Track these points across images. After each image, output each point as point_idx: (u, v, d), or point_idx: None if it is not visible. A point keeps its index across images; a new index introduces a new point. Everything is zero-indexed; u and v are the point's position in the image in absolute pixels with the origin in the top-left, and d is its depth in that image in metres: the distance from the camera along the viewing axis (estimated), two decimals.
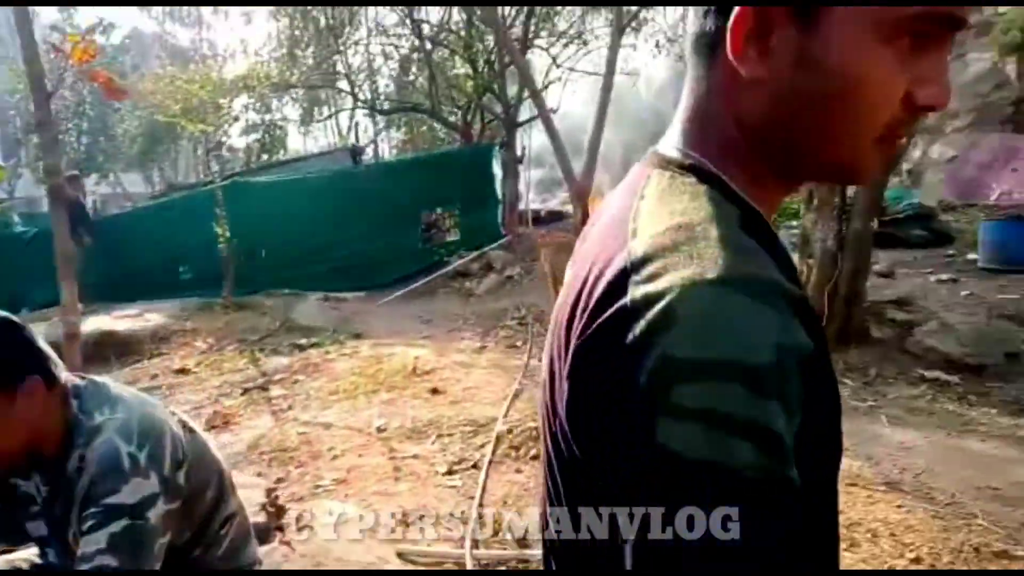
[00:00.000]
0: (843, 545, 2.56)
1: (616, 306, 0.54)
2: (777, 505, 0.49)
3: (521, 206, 12.28)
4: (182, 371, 6.35)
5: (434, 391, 4.96)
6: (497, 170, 11.52)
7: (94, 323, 7.49)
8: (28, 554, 1.56)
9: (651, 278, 0.53)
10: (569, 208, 12.54)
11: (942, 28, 0.57)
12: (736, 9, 0.58)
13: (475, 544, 2.69)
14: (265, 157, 18.31)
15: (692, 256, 0.53)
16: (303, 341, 7.01)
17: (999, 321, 5.54)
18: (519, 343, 6.31)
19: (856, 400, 4.23)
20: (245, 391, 5.50)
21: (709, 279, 0.51)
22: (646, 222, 0.59)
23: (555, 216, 14.06)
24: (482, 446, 3.87)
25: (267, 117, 17.25)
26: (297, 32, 14.03)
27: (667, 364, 0.50)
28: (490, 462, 3.57)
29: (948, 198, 11.61)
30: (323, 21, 14.08)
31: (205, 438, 1.59)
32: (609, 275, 0.56)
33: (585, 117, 12.20)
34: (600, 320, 0.55)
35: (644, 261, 0.55)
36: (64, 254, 6.02)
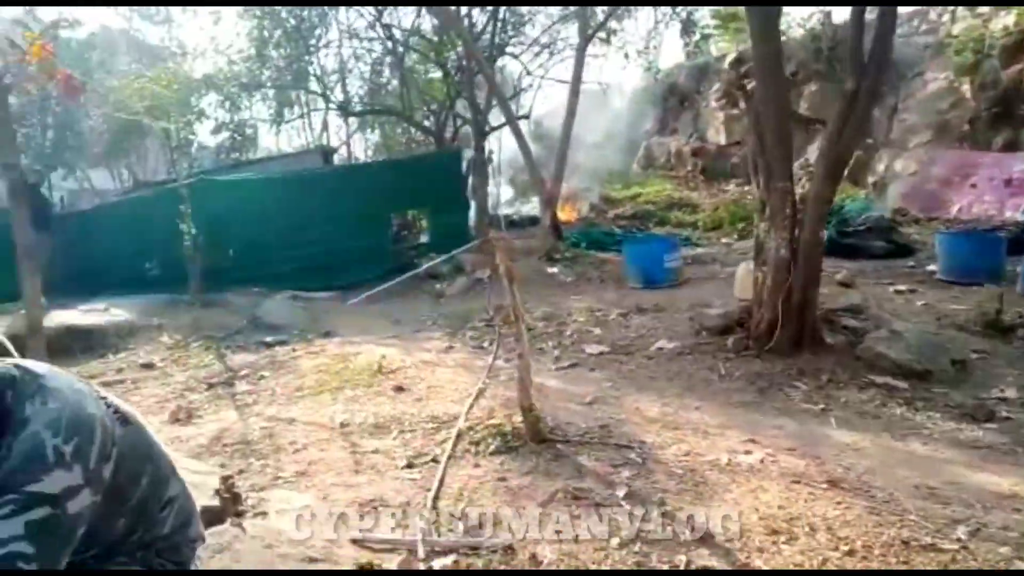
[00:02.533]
0: (782, 538, 2.68)
1: None
2: None
3: (494, 211, 12.38)
4: (148, 366, 6.32)
5: (399, 388, 5.02)
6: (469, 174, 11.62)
7: (59, 317, 7.41)
8: None
9: None
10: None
11: None
12: None
13: (429, 532, 2.76)
14: (236, 156, 18.17)
15: None
16: (270, 339, 7.01)
17: (948, 330, 5.77)
18: (486, 344, 6.38)
19: (808, 403, 4.38)
20: (210, 386, 5.50)
21: None
22: None
23: (532, 221, 14.18)
24: (443, 442, 3.93)
25: (237, 116, 17.10)
26: (266, 33, 13.97)
27: None
28: (449, 456, 3.63)
29: (911, 211, 11.96)
30: (291, 22, 14.05)
31: (142, 427, 1.61)
32: None
33: (559, 124, 12.39)
34: None
35: None
36: (26, 249, 5.98)
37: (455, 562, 2.52)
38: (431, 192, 10.48)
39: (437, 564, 2.49)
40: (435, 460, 3.64)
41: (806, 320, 5.20)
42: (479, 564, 2.55)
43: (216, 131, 17.23)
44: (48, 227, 9.33)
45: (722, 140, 18.28)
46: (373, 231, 10.05)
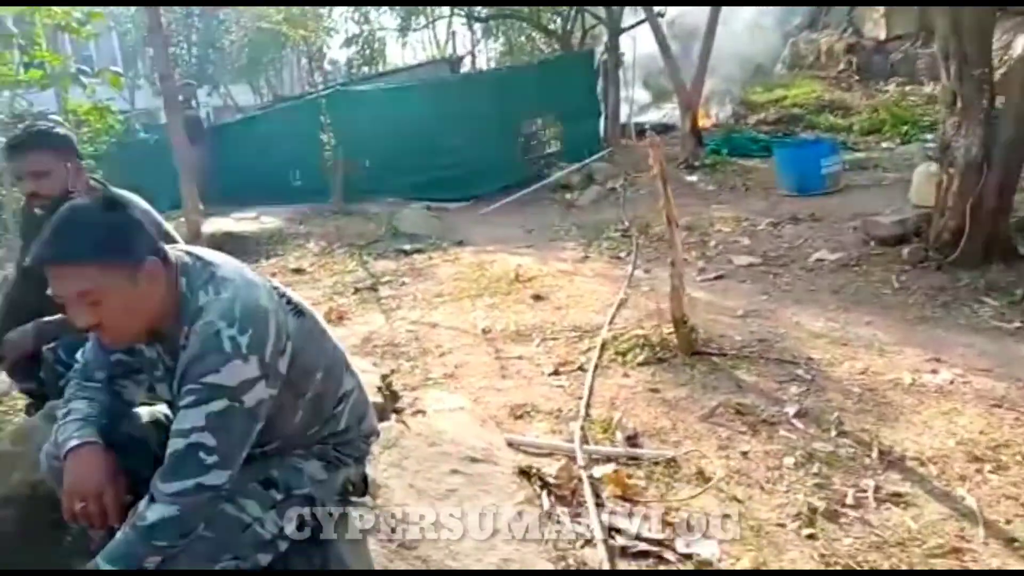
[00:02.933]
0: (987, 466, 2.37)
1: None
2: None
3: (624, 118, 11.74)
4: (298, 271, 6.64)
5: (537, 297, 4.94)
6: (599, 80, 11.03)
7: (215, 224, 7.92)
8: (163, 409, 1.64)
9: None
10: (676, 122, 11.96)
11: None
12: None
13: (584, 440, 2.68)
14: (365, 70, 18.38)
15: None
16: (407, 247, 7.13)
17: None
18: (623, 254, 6.14)
19: (1000, 320, 3.86)
20: (356, 291, 5.69)
21: None
22: None
23: (664, 129, 13.42)
24: (587, 351, 3.82)
25: (366, 28, 17.16)
26: None
27: None
28: (596, 366, 3.52)
29: None
30: None
31: (316, 319, 1.58)
32: None
33: (696, 25, 11.40)
34: None
35: None
36: (184, 160, 6.32)
37: (615, 472, 2.42)
38: (561, 98, 10.03)
39: (597, 472, 2.40)
40: (582, 369, 3.55)
41: (999, 228, 4.54)
42: (640, 475, 2.44)
43: (347, 44, 17.47)
44: (202, 139, 9.87)
45: (881, 35, 16.22)
46: (502, 140, 9.84)
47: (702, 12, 10.75)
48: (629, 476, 2.42)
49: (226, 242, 7.54)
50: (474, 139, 9.60)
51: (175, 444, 1.30)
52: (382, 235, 7.75)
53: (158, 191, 9.43)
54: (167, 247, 1.40)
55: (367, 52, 16.98)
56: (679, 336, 3.58)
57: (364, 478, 1.72)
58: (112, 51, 20.07)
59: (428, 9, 18.50)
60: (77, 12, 6.05)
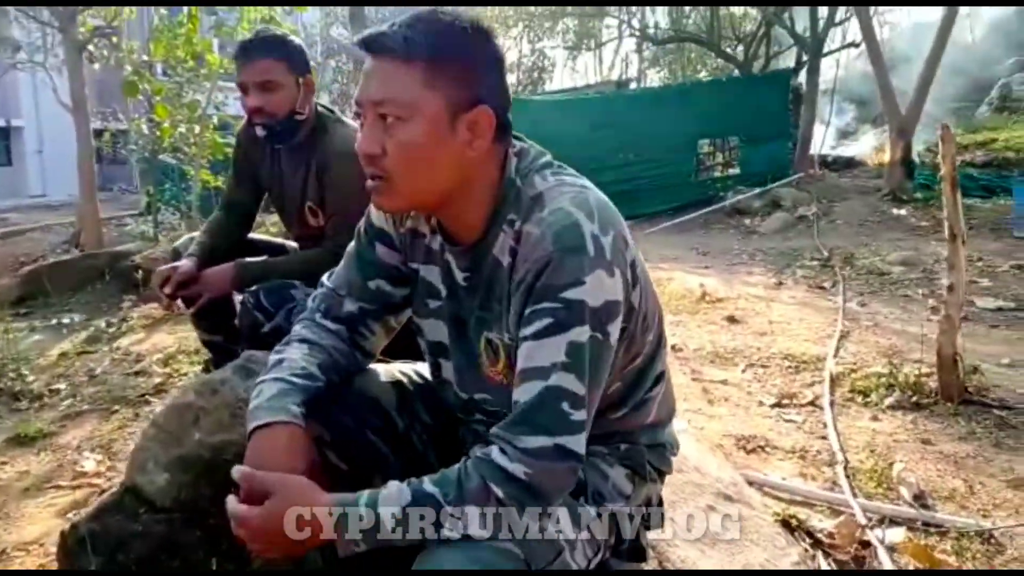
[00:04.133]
0: None
1: None
2: None
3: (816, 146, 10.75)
4: None
5: (732, 319, 4.31)
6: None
7: None
8: (416, 368, 1.20)
9: None
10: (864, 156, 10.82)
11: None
12: None
13: (852, 492, 2.03)
14: (530, 91, 18.45)
15: None
16: None
17: None
18: (825, 284, 5.34)
19: None
20: None
21: None
22: None
23: (847, 163, 12.23)
24: (811, 384, 3.16)
25: (537, 46, 17.23)
26: None
27: None
28: (832, 403, 2.85)
29: None
30: None
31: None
32: None
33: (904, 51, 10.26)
34: None
35: None
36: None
37: (910, 539, 1.77)
38: (748, 119, 9.28)
39: (888, 536, 1.76)
40: (813, 404, 2.89)
41: None
42: (946, 548, 1.78)
43: (512, 68, 17.61)
44: None
45: None
46: (677, 158, 9.26)
47: (910, 37, 9.65)
48: (930, 547, 1.76)
49: None
50: (645, 155, 9.11)
51: (528, 387, 0.86)
52: None
53: None
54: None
55: (534, 75, 17.00)
56: (944, 379, 2.83)
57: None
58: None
59: (599, 30, 18.37)
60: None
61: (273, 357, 1.07)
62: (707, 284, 5.21)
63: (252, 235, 2.23)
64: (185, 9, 6.98)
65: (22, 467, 2.39)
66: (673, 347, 3.78)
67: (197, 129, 7.22)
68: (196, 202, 7.91)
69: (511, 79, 19.90)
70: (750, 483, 2.04)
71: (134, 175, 15.95)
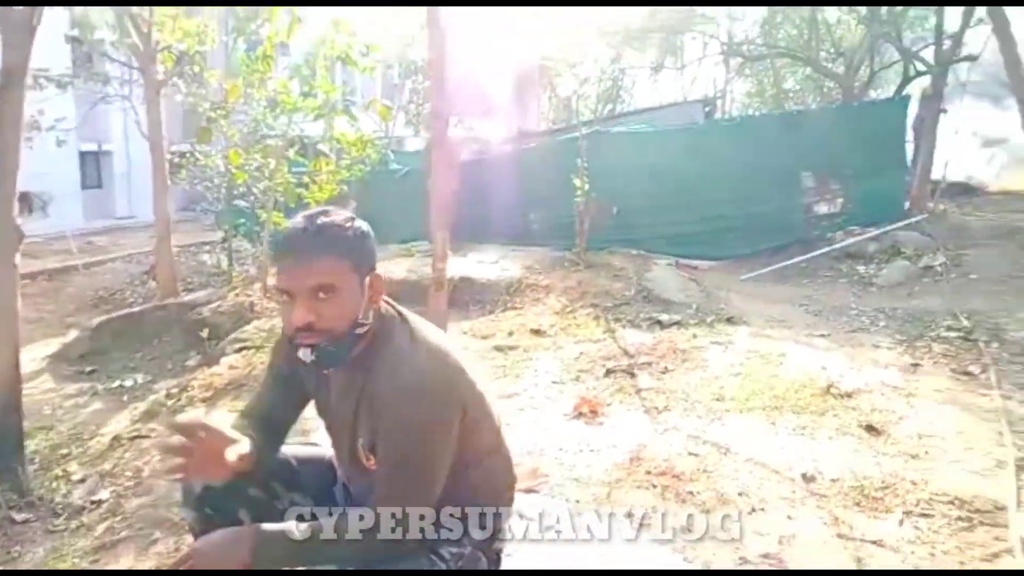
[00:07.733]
0: None
1: None
2: None
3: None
4: (537, 332, 5.85)
5: (870, 428, 3.57)
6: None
7: (456, 266, 7.48)
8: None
9: None
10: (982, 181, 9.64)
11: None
12: None
13: None
14: (610, 107, 17.77)
15: None
16: (663, 317, 6.06)
17: None
18: (972, 368, 4.50)
19: None
20: (608, 372, 4.72)
21: None
22: None
23: (963, 191, 11.02)
24: (995, 555, 2.44)
25: (618, 65, 16.57)
26: None
27: None
28: None
29: None
30: None
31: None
32: None
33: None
34: None
35: None
36: (441, 201, 5.79)
37: None
38: (858, 150, 8.34)
39: None
40: None
41: None
42: None
43: (596, 82, 17.00)
44: (455, 176, 9.65)
45: None
46: (777, 195, 8.42)
47: None
48: None
49: (464, 288, 7.05)
50: (742, 192, 8.35)
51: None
52: (631, 297, 6.77)
53: (401, 221, 9.46)
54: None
55: (614, 91, 16.32)
56: None
57: None
58: (368, 82, 21.54)
59: (682, 46, 17.56)
60: (358, 45, 5.94)
61: None
62: (830, 368, 4.47)
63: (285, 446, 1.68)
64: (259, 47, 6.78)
65: None
66: (804, 476, 3.12)
67: (272, 165, 6.97)
68: (268, 238, 7.74)
69: (591, 96, 19.32)
70: None
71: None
